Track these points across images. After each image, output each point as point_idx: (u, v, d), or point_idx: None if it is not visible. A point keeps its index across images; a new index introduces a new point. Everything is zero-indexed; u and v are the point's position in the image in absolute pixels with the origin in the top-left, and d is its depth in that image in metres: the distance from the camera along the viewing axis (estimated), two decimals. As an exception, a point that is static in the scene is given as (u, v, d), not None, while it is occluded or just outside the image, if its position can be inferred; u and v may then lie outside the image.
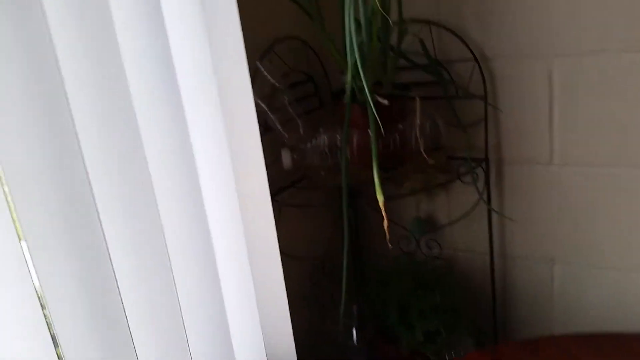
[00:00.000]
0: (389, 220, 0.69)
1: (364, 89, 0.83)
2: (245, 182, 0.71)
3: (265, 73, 0.87)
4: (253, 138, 0.71)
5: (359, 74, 0.80)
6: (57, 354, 0.52)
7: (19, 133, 0.48)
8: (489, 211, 1.02)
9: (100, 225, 0.55)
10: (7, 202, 0.47)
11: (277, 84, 0.89)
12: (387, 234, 0.71)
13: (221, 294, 0.70)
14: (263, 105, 0.87)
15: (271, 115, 0.88)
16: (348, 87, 0.82)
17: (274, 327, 0.75)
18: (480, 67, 0.95)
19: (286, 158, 0.92)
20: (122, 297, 0.57)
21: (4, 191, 0.47)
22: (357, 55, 0.74)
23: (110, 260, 0.56)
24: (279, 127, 0.90)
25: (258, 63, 0.87)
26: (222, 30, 0.65)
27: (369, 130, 0.81)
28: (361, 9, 0.75)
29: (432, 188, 1.02)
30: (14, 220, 0.48)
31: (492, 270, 1.06)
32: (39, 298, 0.50)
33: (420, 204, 1.10)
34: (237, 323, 0.72)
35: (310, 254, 1.05)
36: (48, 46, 0.49)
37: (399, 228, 1.10)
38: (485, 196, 1.00)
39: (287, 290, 0.75)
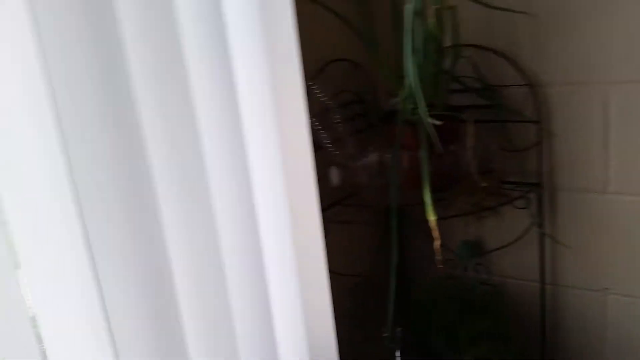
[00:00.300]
0: (439, 240, 0.69)
1: (416, 110, 0.84)
2: (297, 198, 0.72)
3: (318, 92, 0.89)
4: (306, 155, 0.72)
5: (413, 95, 0.81)
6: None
7: (88, 135, 0.50)
8: (541, 237, 1.00)
9: (161, 235, 0.57)
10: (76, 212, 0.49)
11: (329, 103, 0.91)
12: (437, 255, 0.70)
13: (269, 305, 0.71)
14: (314, 123, 0.89)
15: (322, 134, 0.90)
16: (401, 107, 0.83)
17: (319, 343, 0.76)
18: (534, 93, 0.94)
19: (334, 176, 0.93)
20: (179, 304, 0.59)
21: (72, 200, 0.49)
22: (414, 77, 0.75)
23: (170, 267, 0.58)
24: (329, 145, 0.91)
25: (311, 83, 0.89)
26: (280, 52, 0.67)
27: (420, 151, 0.82)
28: (418, 33, 0.76)
29: (482, 211, 1.01)
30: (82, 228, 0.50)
31: (543, 297, 1.03)
32: (100, 304, 0.52)
33: (468, 227, 1.09)
34: (284, 337, 0.73)
35: (350, 271, 1.05)
36: (121, 60, 0.52)
37: (445, 250, 1.09)
38: (538, 221, 0.98)
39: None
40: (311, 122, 0.89)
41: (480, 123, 0.89)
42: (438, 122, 0.79)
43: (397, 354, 0.96)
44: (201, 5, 0.60)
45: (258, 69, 0.66)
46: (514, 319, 1.05)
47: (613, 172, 0.94)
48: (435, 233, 0.69)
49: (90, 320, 0.52)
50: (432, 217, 0.71)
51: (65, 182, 0.49)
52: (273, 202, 0.71)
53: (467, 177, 0.88)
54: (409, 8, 0.71)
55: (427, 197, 0.73)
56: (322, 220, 0.88)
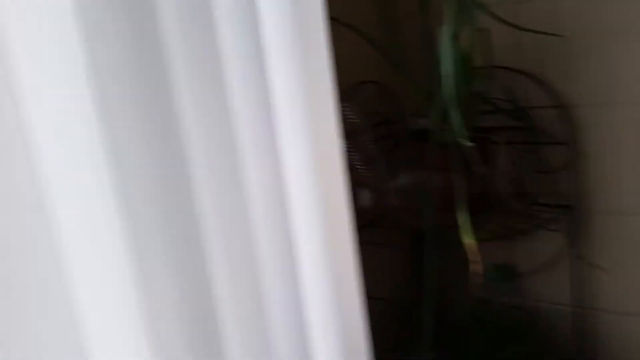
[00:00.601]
0: (477, 263, 0.68)
1: (447, 132, 0.83)
2: (331, 219, 0.72)
3: (350, 114, 0.89)
4: (339, 177, 0.72)
5: (445, 117, 0.81)
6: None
7: (130, 135, 0.51)
8: (575, 260, 0.98)
9: (201, 247, 0.57)
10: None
11: (359, 124, 0.91)
12: (475, 279, 0.69)
13: (305, 326, 0.71)
14: (345, 144, 0.89)
15: (353, 155, 0.90)
16: (432, 129, 0.83)
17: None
18: (565, 114, 0.94)
19: (364, 197, 0.93)
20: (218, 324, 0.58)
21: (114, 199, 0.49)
22: (450, 100, 0.75)
23: (208, 279, 0.57)
24: (359, 166, 0.91)
25: (342, 104, 0.89)
26: (314, 74, 0.67)
27: (450, 172, 0.81)
28: (452, 55, 0.76)
29: (514, 234, 0.99)
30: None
31: (576, 322, 1.01)
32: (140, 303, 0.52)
33: (499, 250, 1.07)
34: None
35: (378, 294, 1.03)
36: (165, 72, 0.53)
37: (476, 274, 1.08)
38: (572, 244, 0.97)
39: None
40: (342, 143, 0.89)
41: (511, 145, 0.89)
42: (471, 144, 0.79)
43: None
44: (239, 26, 0.61)
45: (293, 88, 0.67)
46: (547, 343, 1.03)
47: (646, 193, 0.93)
48: (475, 256, 0.68)
49: (129, 319, 0.51)
50: (468, 240, 0.70)
51: (110, 182, 0.49)
52: (308, 223, 0.70)
53: (498, 200, 0.87)
54: (445, 31, 0.72)
55: (463, 220, 0.72)
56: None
